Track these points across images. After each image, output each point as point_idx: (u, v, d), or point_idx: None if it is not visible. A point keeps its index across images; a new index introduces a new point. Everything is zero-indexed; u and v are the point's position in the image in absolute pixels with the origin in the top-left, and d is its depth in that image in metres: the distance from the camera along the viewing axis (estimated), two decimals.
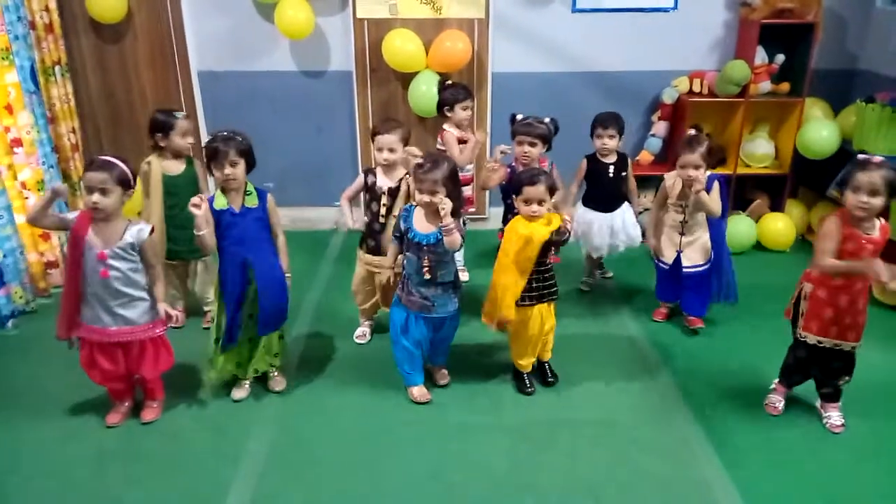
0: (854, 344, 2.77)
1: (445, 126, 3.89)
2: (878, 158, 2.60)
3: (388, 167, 3.22)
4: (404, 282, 2.98)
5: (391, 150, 3.17)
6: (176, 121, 3.39)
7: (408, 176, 3.20)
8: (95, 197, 2.59)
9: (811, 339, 2.81)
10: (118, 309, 2.73)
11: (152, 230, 2.75)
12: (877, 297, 3.95)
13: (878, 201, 2.56)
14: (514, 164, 3.45)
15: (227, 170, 2.77)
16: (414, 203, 2.93)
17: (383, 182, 3.22)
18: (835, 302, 2.73)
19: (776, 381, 3.05)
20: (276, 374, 3.17)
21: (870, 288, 2.76)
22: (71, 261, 2.69)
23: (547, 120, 3.41)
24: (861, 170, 2.58)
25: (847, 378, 2.88)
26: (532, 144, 3.37)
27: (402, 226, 2.92)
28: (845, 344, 2.77)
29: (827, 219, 2.68)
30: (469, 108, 3.85)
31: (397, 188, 3.20)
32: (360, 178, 3.29)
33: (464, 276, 4.16)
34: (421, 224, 2.88)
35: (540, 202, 2.86)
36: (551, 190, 2.88)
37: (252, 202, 2.88)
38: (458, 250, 2.94)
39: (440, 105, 3.89)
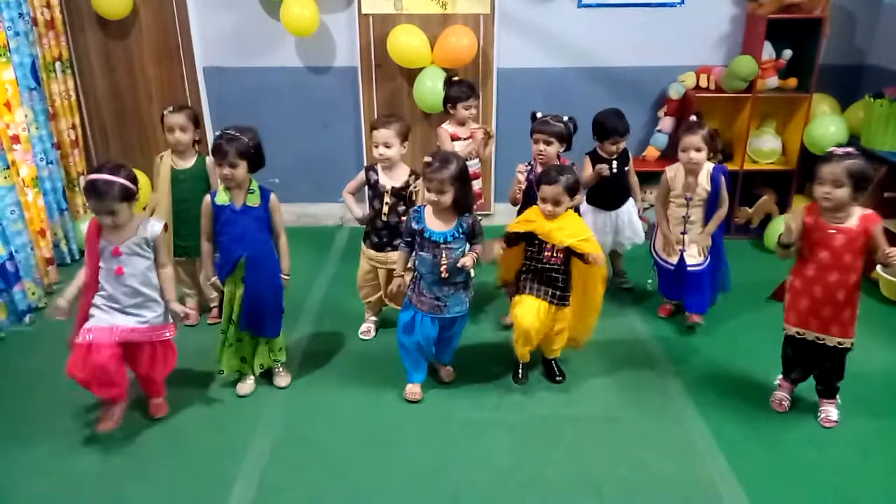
0: (840, 339, 2.74)
1: (445, 123, 3.89)
2: (841, 150, 2.61)
3: (391, 165, 3.21)
4: (416, 282, 2.97)
5: (387, 146, 3.16)
6: (164, 116, 3.40)
7: (412, 178, 3.20)
8: (107, 220, 2.58)
9: (790, 330, 2.83)
10: (132, 309, 2.70)
11: (165, 227, 2.73)
12: (883, 294, 3.93)
13: (841, 192, 2.57)
14: (532, 162, 3.43)
15: (226, 170, 2.76)
16: (424, 204, 2.92)
17: (386, 180, 3.22)
18: (809, 292, 2.73)
19: (779, 377, 3.04)
20: (280, 369, 3.18)
21: (860, 284, 2.71)
22: (90, 270, 2.67)
23: (565, 119, 3.34)
24: (824, 162, 2.61)
25: (837, 381, 2.88)
26: (547, 143, 3.31)
27: (415, 227, 2.89)
28: (829, 338, 2.75)
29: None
30: (472, 108, 3.83)
31: (402, 188, 3.20)
32: (362, 175, 3.30)
33: None
34: (434, 223, 2.87)
35: (555, 203, 2.86)
36: (570, 191, 2.86)
37: (254, 201, 2.87)
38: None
39: (444, 101, 3.88)
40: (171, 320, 2.81)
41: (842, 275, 2.66)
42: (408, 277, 3.10)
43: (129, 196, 2.60)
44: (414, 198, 3.21)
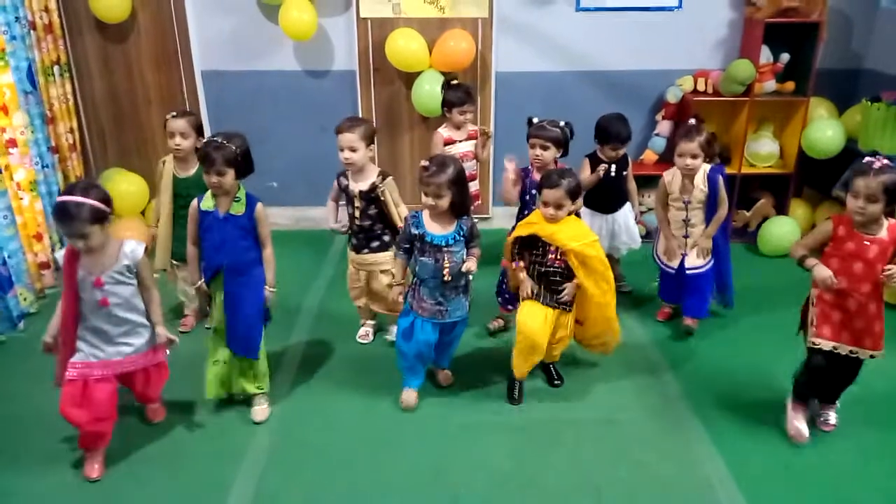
0: (872, 352, 2.66)
1: (441, 127, 3.91)
2: (878, 163, 2.51)
3: (358, 169, 3.18)
4: (415, 288, 2.96)
5: (352, 150, 3.12)
6: (166, 120, 3.39)
7: (379, 178, 3.17)
8: (79, 244, 2.44)
9: (826, 345, 2.68)
10: (120, 339, 2.61)
11: (146, 249, 2.62)
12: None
13: (875, 207, 2.50)
14: (529, 166, 3.42)
15: (214, 178, 2.71)
16: (421, 209, 2.91)
17: (354, 185, 3.20)
18: (842, 305, 2.65)
19: (790, 401, 2.89)
20: (261, 402, 3.00)
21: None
22: (67, 295, 2.53)
23: (562, 124, 3.32)
24: (860, 175, 2.52)
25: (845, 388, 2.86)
26: (544, 148, 3.29)
27: (415, 232, 2.87)
28: (862, 352, 2.66)
29: (825, 220, 2.65)
30: (468, 113, 3.84)
31: (370, 191, 3.17)
32: (335, 182, 3.28)
33: None
34: (433, 227, 2.86)
35: (557, 206, 2.85)
36: (572, 194, 2.85)
37: (238, 209, 2.79)
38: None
39: (441, 104, 3.89)
40: (158, 342, 2.73)
41: (873, 286, 2.59)
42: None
43: (100, 218, 2.44)
44: (382, 198, 3.18)
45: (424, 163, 2.83)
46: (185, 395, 3.10)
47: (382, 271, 3.29)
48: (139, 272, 2.60)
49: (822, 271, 2.58)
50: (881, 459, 2.73)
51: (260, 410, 2.98)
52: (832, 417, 2.90)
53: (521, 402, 3.07)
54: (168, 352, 2.79)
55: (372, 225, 3.23)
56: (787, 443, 2.81)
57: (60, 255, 2.57)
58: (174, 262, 3.50)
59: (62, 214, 2.41)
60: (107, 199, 2.49)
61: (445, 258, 2.84)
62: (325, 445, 2.82)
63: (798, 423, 2.83)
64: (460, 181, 2.82)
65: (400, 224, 3.17)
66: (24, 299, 3.77)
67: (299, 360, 3.40)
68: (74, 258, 2.52)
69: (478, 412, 3.02)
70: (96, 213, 2.42)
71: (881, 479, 2.63)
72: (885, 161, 2.53)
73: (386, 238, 3.27)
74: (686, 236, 3.50)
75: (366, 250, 3.29)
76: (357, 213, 3.22)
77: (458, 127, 3.87)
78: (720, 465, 2.69)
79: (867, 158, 2.57)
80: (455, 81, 3.98)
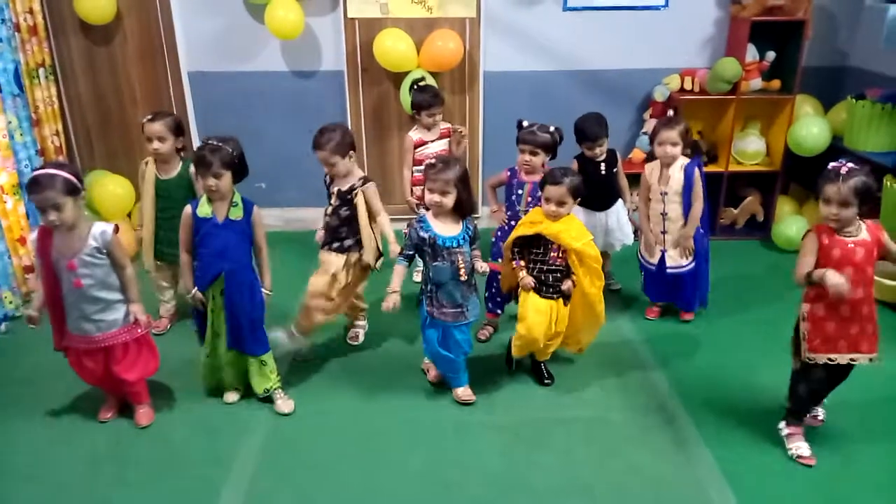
0: (870, 355, 2.61)
1: (412, 130, 3.92)
2: (845, 168, 2.48)
3: (343, 175, 3.17)
4: (431, 296, 2.94)
5: (330, 165, 3.12)
6: (143, 125, 3.38)
7: (360, 181, 3.15)
8: (52, 216, 2.53)
9: (821, 358, 2.62)
10: (97, 315, 2.70)
11: (116, 229, 2.68)
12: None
13: (849, 211, 2.47)
14: (516, 167, 3.42)
15: (211, 181, 2.71)
16: (423, 212, 2.91)
17: (335, 185, 3.19)
18: (836, 314, 2.57)
19: (786, 425, 2.79)
20: (281, 394, 3.06)
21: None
22: (45, 274, 2.67)
23: (552, 129, 3.32)
24: (828, 182, 2.49)
25: None
26: (533, 153, 3.30)
27: (424, 236, 2.85)
28: (861, 357, 2.61)
29: (806, 235, 2.60)
30: (435, 115, 3.84)
31: (346, 192, 3.15)
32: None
33: None
34: (442, 228, 2.87)
35: (560, 203, 2.87)
36: (574, 192, 2.88)
37: (237, 214, 2.80)
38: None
39: (411, 106, 3.91)
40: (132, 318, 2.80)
41: (865, 289, 2.54)
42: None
43: (73, 190, 2.56)
44: (354, 200, 3.15)
45: (430, 161, 2.85)
46: (174, 399, 3.09)
47: (325, 271, 3.21)
48: (111, 253, 2.69)
49: (835, 277, 2.44)
50: (872, 457, 2.74)
51: (285, 402, 3.03)
52: (821, 413, 2.91)
53: (513, 371, 3.25)
54: (142, 330, 2.85)
55: (338, 226, 3.19)
56: (779, 440, 2.80)
57: (33, 237, 2.67)
58: (157, 262, 3.49)
59: (35, 185, 2.52)
60: (78, 175, 2.62)
61: (459, 258, 2.86)
62: (315, 447, 2.82)
63: (797, 443, 2.75)
64: (465, 179, 2.85)
65: (368, 232, 3.17)
66: (10, 302, 3.74)
67: (290, 361, 3.38)
68: (47, 238, 2.62)
69: (469, 411, 3.03)
70: (68, 184, 2.54)
71: (874, 478, 2.64)
72: (851, 165, 2.50)
73: (347, 243, 3.20)
74: (664, 232, 3.52)
75: (325, 247, 3.25)
76: (329, 210, 3.21)
77: (428, 128, 3.88)
78: (711, 464, 2.70)
79: (832, 164, 2.54)
80: (422, 83, 4.00)
